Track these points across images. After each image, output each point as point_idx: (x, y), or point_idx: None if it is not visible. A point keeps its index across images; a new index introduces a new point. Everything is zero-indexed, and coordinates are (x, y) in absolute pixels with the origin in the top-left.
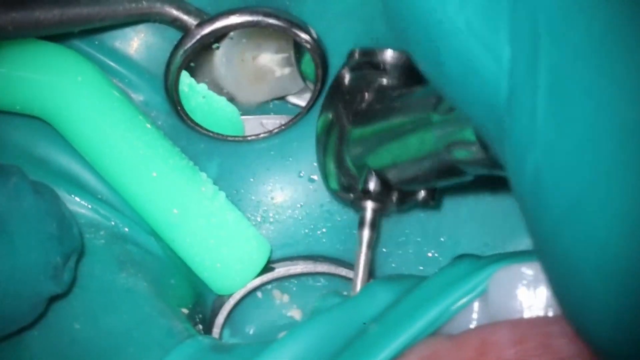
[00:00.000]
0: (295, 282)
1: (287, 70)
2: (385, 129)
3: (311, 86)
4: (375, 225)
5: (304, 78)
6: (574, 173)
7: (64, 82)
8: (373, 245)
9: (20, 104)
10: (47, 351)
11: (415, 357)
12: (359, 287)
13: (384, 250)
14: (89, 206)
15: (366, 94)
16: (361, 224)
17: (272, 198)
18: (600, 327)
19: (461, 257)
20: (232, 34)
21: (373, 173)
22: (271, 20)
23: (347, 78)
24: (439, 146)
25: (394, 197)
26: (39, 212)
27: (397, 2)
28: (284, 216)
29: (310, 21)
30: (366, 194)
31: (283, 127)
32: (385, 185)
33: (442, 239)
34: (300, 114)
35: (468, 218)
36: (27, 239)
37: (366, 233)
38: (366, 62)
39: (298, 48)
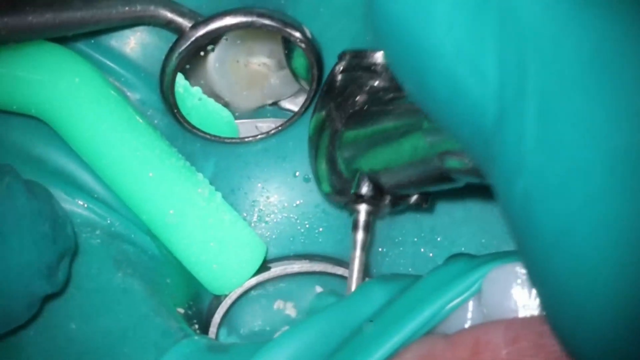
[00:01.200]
0: (292, 281)
1: (279, 74)
2: (377, 133)
3: (305, 85)
4: (368, 228)
5: (296, 77)
6: (563, 197)
7: (62, 82)
8: (367, 247)
9: (17, 103)
10: (43, 351)
11: (410, 356)
12: (353, 289)
13: (380, 249)
14: (85, 205)
15: (358, 96)
16: (355, 226)
17: (267, 198)
18: (591, 350)
19: (456, 256)
20: (226, 36)
21: (366, 177)
22: (265, 21)
23: (339, 80)
24: (430, 154)
25: (387, 200)
26: (33, 211)
27: (384, 26)
28: (279, 216)
29: (305, 21)
30: (359, 197)
31: (280, 128)
32: (378, 189)
33: (438, 239)
34: (297, 115)
35: (464, 218)
36: (21, 239)
37: (360, 235)
38: (357, 64)
39: (287, 47)
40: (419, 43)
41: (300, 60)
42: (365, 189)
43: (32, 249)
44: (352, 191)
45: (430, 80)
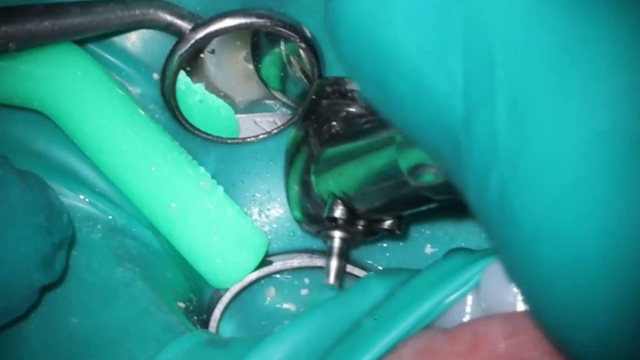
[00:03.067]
0: (292, 275)
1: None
2: (351, 151)
3: (278, 95)
4: (343, 255)
5: (267, 86)
6: (541, 184)
7: (64, 76)
8: (341, 276)
9: (19, 97)
10: (44, 345)
11: (409, 350)
12: None
13: (381, 245)
14: (87, 200)
15: (334, 122)
16: (329, 253)
17: (268, 192)
18: (578, 342)
19: (455, 250)
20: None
21: (339, 200)
22: (264, 22)
23: (318, 106)
24: (402, 169)
25: (360, 225)
26: (27, 203)
27: (343, 29)
28: (281, 210)
29: (305, 16)
30: (332, 221)
31: (282, 128)
32: (351, 213)
33: (439, 234)
34: (297, 114)
35: (465, 213)
36: (16, 231)
37: (334, 263)
38: (335, 91)
39: (256, 56)
40: (380, 44)
41: (272, 70)
42: (338, 212)
43: (28, 241)
44: (325, 215)
45: (393, 81)
